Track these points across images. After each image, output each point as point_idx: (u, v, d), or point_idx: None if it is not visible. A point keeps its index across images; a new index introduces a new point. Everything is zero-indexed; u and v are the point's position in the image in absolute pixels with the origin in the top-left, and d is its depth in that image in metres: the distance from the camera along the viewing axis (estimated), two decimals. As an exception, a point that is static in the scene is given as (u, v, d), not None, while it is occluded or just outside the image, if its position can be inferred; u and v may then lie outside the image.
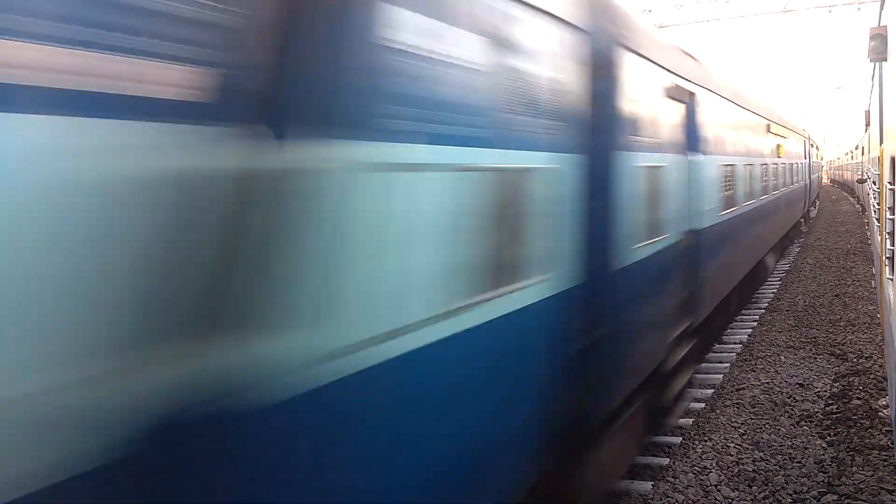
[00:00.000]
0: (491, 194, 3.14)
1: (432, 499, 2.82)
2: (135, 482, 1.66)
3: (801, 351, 9.85)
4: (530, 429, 3.70)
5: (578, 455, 4.43)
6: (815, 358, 9.46)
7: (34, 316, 1.49)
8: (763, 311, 12.78)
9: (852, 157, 41.84)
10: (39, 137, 1.51)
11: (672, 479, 6.04)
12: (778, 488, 5.75)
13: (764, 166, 13.66)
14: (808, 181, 26.04)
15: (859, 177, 25.07)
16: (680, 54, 7.25)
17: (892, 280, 5.08)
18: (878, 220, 7.57)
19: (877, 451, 6.32)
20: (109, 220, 1.60)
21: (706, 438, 6.86)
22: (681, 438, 7.01)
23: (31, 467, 1.47)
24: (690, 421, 7.48)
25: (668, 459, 6.50)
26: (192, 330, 1.78)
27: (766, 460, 6.29)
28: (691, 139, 7.22)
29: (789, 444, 6.63)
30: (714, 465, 6.26)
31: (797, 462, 6.23)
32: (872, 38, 5.90)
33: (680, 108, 6.86)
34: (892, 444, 6.17)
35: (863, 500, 5.47)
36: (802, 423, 7.17)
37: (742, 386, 8.42)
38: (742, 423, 7.20)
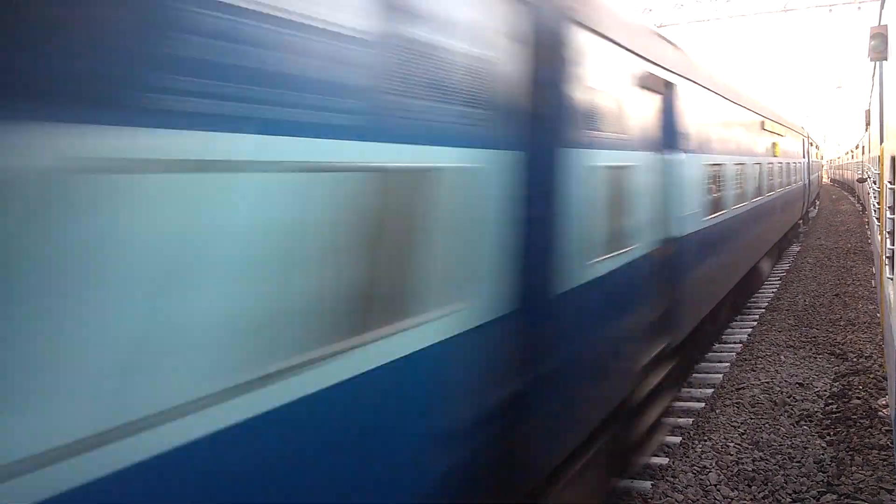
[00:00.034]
0: (366, 202, 2.36)
1: None
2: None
3: (801, 350, 9.84)
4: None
5: None
6: (815, 357, 9.46)
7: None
8: (763, 310, 12.78)
9: (852, 157, 41.83)
10: None
11: (671, 479, 6.04)
12: (777, 488, 5.75)
13: (757, 166, 12.66)
14: (806, 181, 25.16)
15: (859, 176, 25.04)
16: (656, 39, 6.40)
17: (892, 279, 5.07)
18: (878, 219, 7.57)
19: (876, 451, 6.32)
20: None
21: (706, 438, 6.86)
22: (680, 438, 7.00)
23: None
24: (690, 421, 7.48)
25: (668, 459, 6.50)
26: None
27: (766, 460, 6.29)
28: (670, 135, 6.42)
29: (789, 443, 6.63)
30: (714, 464, 6.26)
31: (797, 462, 6.23)
32: (873, 37, 5.89)
33: (655, 101, 6.07)
34: (892, 443, 6.16)
35: (862, 500, 5.47)
36: (802, 422, 7.16)
37: (742, 385, 8.41)
38: (742, 423, 7.20)
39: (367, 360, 2.34)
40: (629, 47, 5.27)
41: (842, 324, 11.15)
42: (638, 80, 5.49)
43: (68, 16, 1.47)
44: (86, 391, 1.49)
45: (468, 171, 2.97)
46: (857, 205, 35.49)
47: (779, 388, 8.20)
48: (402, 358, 2.52)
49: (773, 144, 15.32)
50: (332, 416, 2.19)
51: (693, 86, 7.56)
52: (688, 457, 6.47)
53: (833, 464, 6.14)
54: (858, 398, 7.68)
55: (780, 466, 6.15)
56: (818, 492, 5.65)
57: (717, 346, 10.66)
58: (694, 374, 9.28)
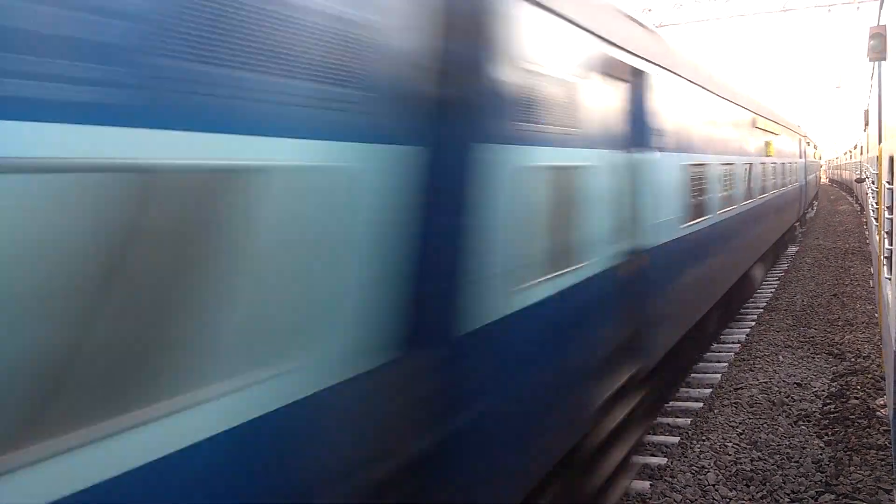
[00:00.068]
0: (121, 217, 1.57)
1: None
2: None
3: (799, 350, 9.85)
4: None
5: None
6: (814, 357, 9.46)
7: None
8: (761, 310, 12.78)
9: (851, 157, 41.86)
10: None
11: (670, 479, 6.04)
12: (776, 488, 5.75)
13: (748, 166, 11.74)
14: (803, 182, 24.21)
15: (858, 176, 25.04)
16: (622, 20, 5.57)
17: (890, 279, 5.07)
18: (876, 219, 7.56)
19: (874, 451, 6.32)
20: None
21: (704, 438, 6.86)
22: (679, 438, 7.00)
23: None
24: (688, 421, 7.48)
25: (666, 459, 6.49)
26: None
27: (764, 460, 6.29)
28: (640, 132, 5.60)
29: (787, 443, 6.63)
30: (712, 464, 6.26)
31: (795, 462, 6.23)
32: (872, 37, 5.89)
33: (621, 91, 5.25)
34: (890, 443, 6.16)
35: (860, 500, 5.46)
36: (800, 422, 7.16)
37: (740, 385, 8.41)
38: (740, 423, 7.20)
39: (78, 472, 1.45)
40: (585, 26, 4.43)
41: (840, 324, 11.16)
42: (598, 65, 4.66)
43: None
44: None
45: (320, 171, 2.15)
46: (855, 205, 35.52)
47: (777, 389, 8.20)
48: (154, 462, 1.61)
49: (767, 143, 14.49)
50: None
51: (670, 76, 6.75)
52: (686, 457, 6.46)
53: (831, 464, 6.14)
54: (856, 398, 7.69)
55: (778, 466, 6.15)
56: (816, 492, 5.65)
57: (716, 346, 10.67)
58: (692, 374, 9.28)
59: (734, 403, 7.78)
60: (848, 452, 6.36)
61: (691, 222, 7.29)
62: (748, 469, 6.12)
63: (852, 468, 6.02)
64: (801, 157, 23.71)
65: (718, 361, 9.79)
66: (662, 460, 6.49)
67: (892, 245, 4.96)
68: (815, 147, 40.58)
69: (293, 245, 2.05)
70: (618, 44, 5.12)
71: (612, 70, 4.99)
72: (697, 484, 5.92)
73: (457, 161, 2.92)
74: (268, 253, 1.96)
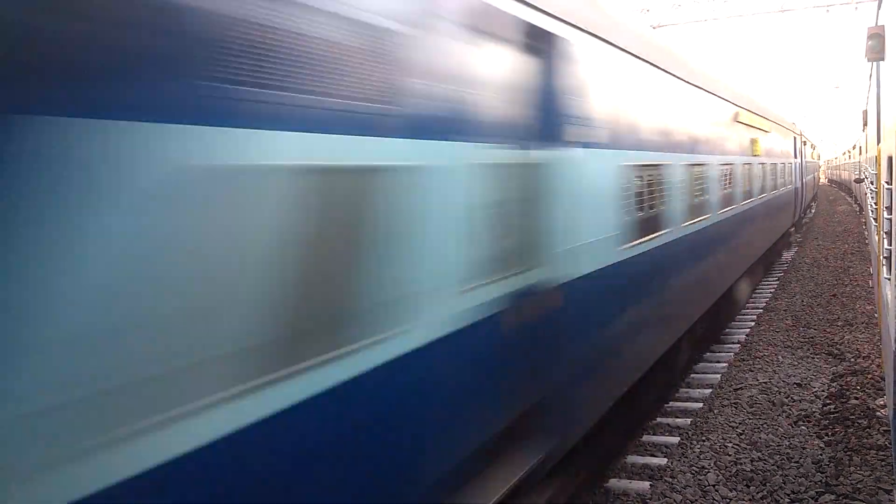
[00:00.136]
0: None
1: None
2: None
3: (798, 351, 9.85)
4: None
5: None
6: (813, 358, 9.46)
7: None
8: (761, 310, 12.79)
9: (850, 157, 41.89)
10: None
11: (670, 479, 6.04)
12: (776, 488, 5.75)
13: (727, 168, 9.96)
14: (799, 184, 22.47)
15: (857, 176, 25.06)
16: None
17: (889, 280, 5.07)
18: (875, 219, 7.57)
19: (874, 451, 6.32)
20: None
21: (704, 438, 6.86)
22: (679, 438, 7.01)
23: None
24: (688, 421, 7.48)
25: (666, 459, 6.50)
26: None
27: (764, 460, 6.29)
28: (553, 120, 4.23)
29: (787, 443, 6.63)
30: (712, 464, 6.26)
31: (795, 462, 6.23)
32: (870, 37, 5.89)
33: (522, 63, 3.89)
34: (890, 443, 6.16)
35: (860, 500, 5.47)
36: (800, 422, 7.17)
37: (740, 386, 8.42)
38: (740, 423, 7.20)
39: None
40: None
41: (839, 324, 11.17)
42: (465, 19, 3.34)
43: None
44: None
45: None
46: (854, 205, 35.56)
47: (777, 389, 8.21)
48: None
49: (753, 141, 12.71)
50: None
51: (606, 49, 5.23)
52: (686, 457, 6.47)
53: (831, 464, 6.14)
54: (856, 398, 7.69)
55: (778, 467, 6.15)
56: (816, 492, 5.65)
57: (716, 346, 10.67)
58: (692, 375, 9.29)
59: (734, 404, 7.79)
60: (848, 453, 6.36)
61: (637, 241, 5.66)
62: (748, 469, 6.12)
63: (852, 468, 6.02)
64: (795, 156, 22.11)
65: (718, 362, 9.80)
66: (662, 460, 6.50)
67: (891, 245, 4.97)
68: (812, 147, 39.87)
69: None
70: None
71: (502, 31, 3.66)
72: (697, 484, 5.92)
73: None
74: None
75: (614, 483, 6.16)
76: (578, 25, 4.69)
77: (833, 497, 5.55)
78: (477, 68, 3.46)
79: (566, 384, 4.47)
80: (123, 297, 1.75)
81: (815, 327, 11.12)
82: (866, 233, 17.63)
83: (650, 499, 5.76)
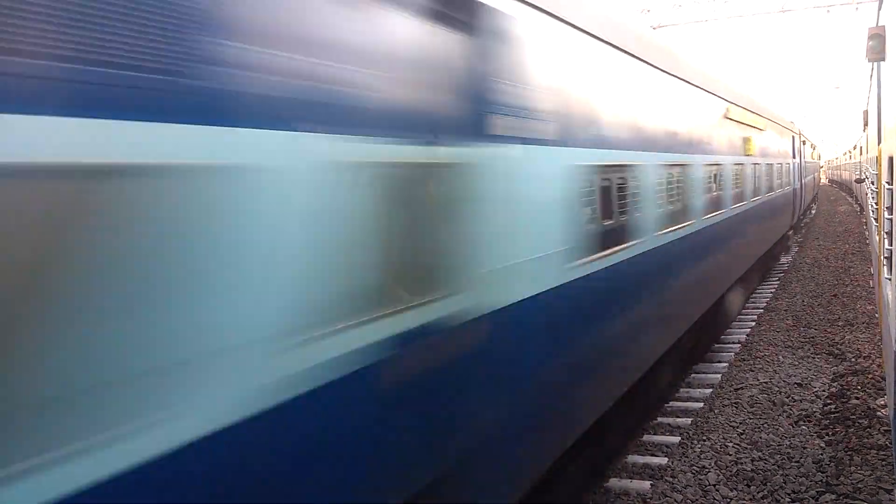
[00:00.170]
0: None
1: None
2: None
3: (799, 350, 9.86)
4: None
5: None
6: (814, 357, 9.47)
7: None
8: (761, 310, 12.80)
9: (850, 157, 41.87)
10: None
11: (671, 479, 6.05)
12: (776, 488, 5.76)
13: (714, 168, 9.06)
14: (797, 185, 21.50)
15: (857, 177, 25.05)
16: None
17: (890, 280, 5.08)
18: (876, 219, 7.58)
19: (875, 451, 6.33)
20: None
21: (705, 438, 6.87)
22: (679, 438, 7.01)
23: None
24: (689, 421, 7.49)
25: (667, 459, 6.51)
26: None
27: (765, 460, 6.30)
28: (478, 109, 3.49)
29: (788, 443, 6.64)
30: (713, 464, 6.27)
31: (795, 462, 6.24)
32: (870, 37, 5.90)
33: (433, 36, 3.16)
34: (891, 443, 6.17)
35: (861, 500, 5.47)
36: (801, 422, 7.17)
37: (741, 385, 8.42)
38: (741, 423, 7.21)
39: None
40: None
41: (840, 324, 11.17)
42: None
43: None
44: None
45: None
46: (855, 205, 35.55)
47: (777, 389, 8.21)
48: None
49: (745, 140, 11.82)
50: None
51: (558, 27, 4.48)
52: (687, 457, 6.47)
53: (832, 464, 6.15)
54: (857, 398, 7.70)
55: (778, 466, 6.16)
56: (817, 492, 5.66)
57: (716, 346, 10.68)
58: (693, 375, 9.30)
59: (735, 403, 7.80)
60: (849, 452, 6.37)
61: (597, 256, 4.83)
62: (749, 469, 6.13)
63: (853, 468, 6.03)
64: (794, 156, 21.13)
65: (719, 361, 9.81)
66: (663, 460, 6.51)
67: (891, 245, 4.97)
68: (812, 146, 39.17)
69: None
70: None
71: None
72: (698, 484, 5.93)
73: None
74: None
75: (615, 483, 6.17)
76: (531, 2, 4.06)
77: (834, 497, 5.56)
78: (353, 33, 2.64)
79: (485, 451, 3.49)
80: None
81: (816, 327, 11.12)
82: (867, 233, 17.63)
83: (651, 498, 5.77)
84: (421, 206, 3.04)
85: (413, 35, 3.04)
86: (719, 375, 9.01)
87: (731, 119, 10.54)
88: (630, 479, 6.26)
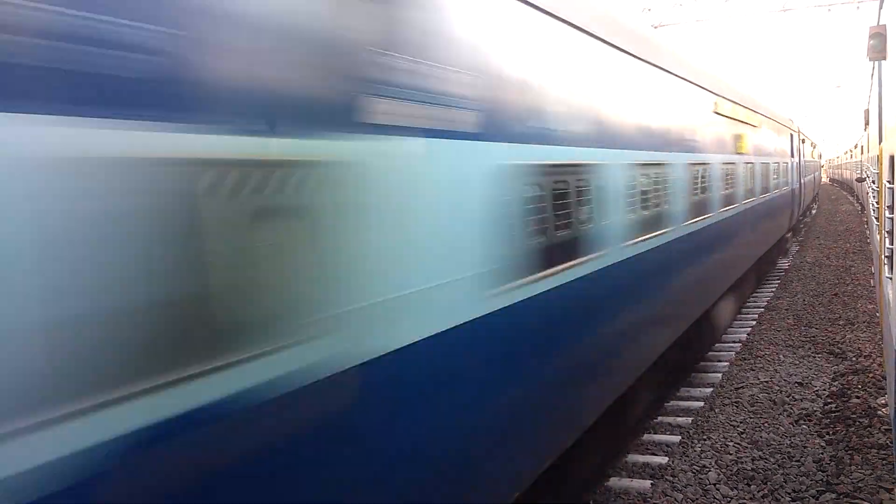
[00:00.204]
0: None
1: None
2: None
3: (800, 349, 9.85)
4: None
5: None
6: (815, 356, 9.47)
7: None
8: (762, 309, 12.80)
9: (851, 156, 41.84)
10: None
11: (671, 478, 6.05)
12: (777, 487, 5.76)
13: (698, 168, 8.09)
14: (796, 185, 20.51)
15: (858, 176, 25.02)
16: None
17: (891, 279, 5.08)
18: (877, 218, 7.57)
19: (875, 450, 6.32)
20: None
21: (705, 437, 6.87)
22: (680, 437, 7.02)
23: None
24: (689, 420, 7.49)
25: (668, 458, 6.51)
26: None
27: (765, 459, 6.30)
28: (352, 90, 2.66)
29: (788, 442, 6.64)
30: (713, 463, 6.27)
31: (796, 461, 6.24)
32: (871, 36, 5.90)
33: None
34: (891, 442, 6.17)
35: (861, 499, 5.47)
36: (801, 421, 7.17)
37: (741, 384, 8.42)
38: (741, 422, 7.21)
39: None
40: None
41: (841, 323, 11.16)
42: None
43: None
44: None
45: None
46: (856, 204, 35.53)
47: (778, 388, 8.21)
48: None
49: (737, 137, 10.96)
50: None
51: None
52: (687, 456, 6.48)
53: (832, 463, 6.15)
54: (857, 397, 7.69)
55: (779, 465, 6.16)
56: (817, 491, 5.66)
57: (717, 345, 10.68)
58: (693, 374, 9.30)
59: (735, 402, 7.80)
60: (849, 451, 6.36)
61: (535, 277, 3.89)
62: (749, 468, 6.13)
63: (853, 467, 6.03)
64: (792, 155, 20.13)
65: (719, 361, 9.80)
66: (663, 459, 6.51)
67: (892, 244, 4.97)
68: (813, 145, 38.23)
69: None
70: None
71: None
72: (699, 483, 5.93)
73: None
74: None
75: (615, 482, 6.17)
76: None
77: (834, 496, 5.56)
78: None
79: None
80: None
81: (817, 326, 11.12)
82: (868, 232, 17.62)
83: (651, 497, 5.77)
84: (237, 222, 2.14)
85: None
86: (720, 375, 9.01)
87: (719, 114, 9.69)
88: (630, 478, 6.27)
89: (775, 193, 15.40)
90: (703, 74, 8.99)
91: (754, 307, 13.20)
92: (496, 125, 3.62)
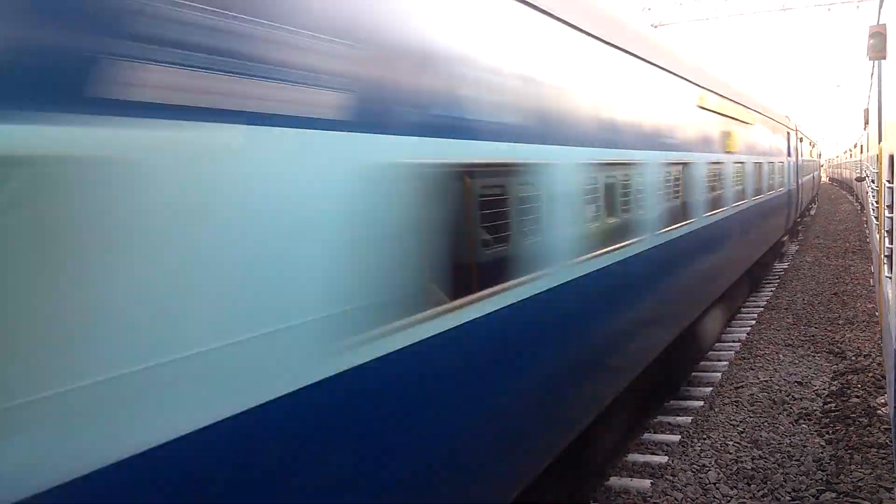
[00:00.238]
0: None
1: None
2: None
3: (799, 349, 9.86)
4: None
5: None
6: (814, 356, 9.47)
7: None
8: (762, 309, 12.80)
9: (851, 156, 41.84)
10: None
11: (671, 478, 6.05)
12: (776, 486, 5.76)
13: (677, 168, 7.34)
14: (793, 185, 19.79)
15: (858, 175, 25.01)
16: None
17: (890, 278, 5.08)
18: (876, 218, 7.57)
19: (875, 450, 6.33)
20: None
21: (705, 436, 6.87)
22: (679, 436, 7.02)
23: None
24: (689, 419, 7.49)
25: (667, 458, 6.51)
26: None
27: (765, 458, 6.30)
28: (108, 58, 1.69)
29: (788, 442, 6.64)
30: (713, 463, 6.27)
31: (796, 460, 6.24)
32: (871, 36, 5.89)
33: None
34: (891, 442, 6.17)
35: (861, 498, 5.48)
36: (801, 421, 7.18)
37: (741, 384, 8.42)
38: (741, 422, 7.21)
39: None
40: None
41: (840, 322, 11.17)
42: None
43: None
44: None
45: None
46: (855, 204, 35.53)
47: (778, 387, 8.21)
48: None
49: (726, 135, 10.15)
50: None
51: None
52: (687, 455, 6.48)
53: (832, 462, 6.15)
54: (857, 397, 7.70)
55: (779, 465, 6.16)
56: (817, 490, 5.66)
57: (717, 344, 10.68)
58: (693, 373, 9.30)
59: (735, 402, 7.80)
60: (849, 451, 6.37)
61: (471, 300, 3.24)
62: (749, 467, 6.13)
63: (853, 466, 6.03)
64: (790, 154, 19.30)
65: (719, 360, 9.81)
66: (663, 458, 6.51)
67: (892, 244, 4.97)
68: (812, 144, 37.40)
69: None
70: None
71: None
72: (698, 482, 5.93)
73: None
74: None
75: (615, 481, 6.17)
76: None
77: (834, 495, 5.56)
78: None
79: None
80: None
81: (817, 325, 11.12)
82: (867, 231, 17.62)
83: (651, 497, 5.77)
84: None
85: None
86: (719, 374, 9.02)
87: (704, 108, 8.76)
88: (630, 477, 6.27)
89: (771, 195, 14.67)
90: (685, 64, 8.04)
91: (754, 306, 13.20)
92: (374, 110, 2.68)
